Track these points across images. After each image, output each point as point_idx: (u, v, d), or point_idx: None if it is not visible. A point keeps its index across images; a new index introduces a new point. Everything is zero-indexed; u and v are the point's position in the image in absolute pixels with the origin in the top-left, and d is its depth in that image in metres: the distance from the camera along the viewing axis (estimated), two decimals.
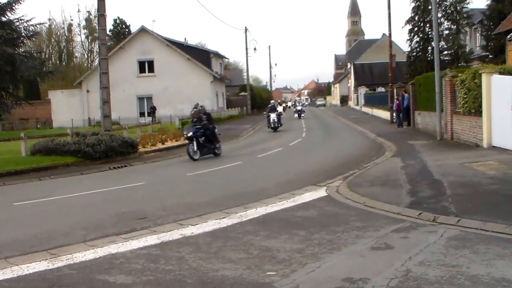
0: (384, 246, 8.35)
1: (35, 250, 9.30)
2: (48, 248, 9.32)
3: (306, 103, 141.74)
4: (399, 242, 8.56)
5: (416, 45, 52.93)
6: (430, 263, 7.26)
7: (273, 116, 41.85)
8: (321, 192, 13.74)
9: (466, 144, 21.71)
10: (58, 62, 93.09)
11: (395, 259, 7.53)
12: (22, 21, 50.91)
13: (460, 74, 23.22)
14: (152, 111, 57.95)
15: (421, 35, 52.34)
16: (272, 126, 41.87)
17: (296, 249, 8.38)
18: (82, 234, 10.34)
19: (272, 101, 49.65)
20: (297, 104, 73.54)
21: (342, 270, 7.23)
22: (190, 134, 23.42)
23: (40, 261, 8.55)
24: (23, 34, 52.36)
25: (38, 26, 60.90)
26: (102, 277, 7.53)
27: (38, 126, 65.74)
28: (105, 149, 24.25)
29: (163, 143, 31.26)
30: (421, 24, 52.22)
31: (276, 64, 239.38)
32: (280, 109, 50.55)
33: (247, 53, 79.65)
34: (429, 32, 50.07)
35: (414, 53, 53.15)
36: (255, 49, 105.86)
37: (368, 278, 6.78)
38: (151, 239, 9.58)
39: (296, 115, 61.34)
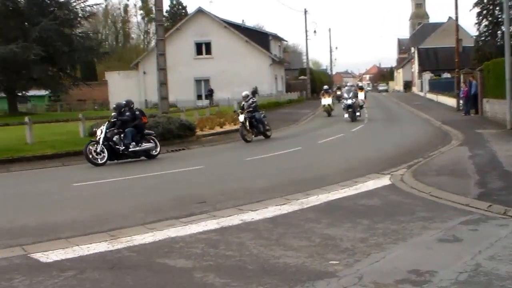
0: (452, 238, 8.03)
1: (95, 231, 9.30)
2: (108, 230, 9.31)
3: (369, 88, 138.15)
4: (467, 234, 8.22)
5: (484, 29, 51.42)
6: (502, 258, 6.91)
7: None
8: (384, 181, 13.39)
9: None
10: (114, 43, 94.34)
11: (464, 252, 7.20)
12: (79, 1, 51.77)
13: None
14: (210, 94, 57.99)
15: (490, 19, 50.76)
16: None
17: (360, 238, 8.14)
18: (141, 217, 10.31)
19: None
20: (345, 92, 37.88)
21: (408, 262, 6.97)
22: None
23: (100, 242, 8.54)
24: (80, 14, 53.34)
25: (94, 6, 62.04)
26: (162, 261, 7.45)
27: (96, 107, 66.80)
28: (163, 132, 24.12)
29: (221, 127, 31.28)
30: (491, 7, 50.63)
31: (336, 48, 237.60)
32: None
33: (306, 36, 79.07)
34: (499, 16, 48.37)
35: (483, 38, 51.67)
36: (315, 31, 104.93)
37: (436, 271, 6.50)
38: (210, 224, 9.46)
39: (346, 115, 35.78)
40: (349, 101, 34.85)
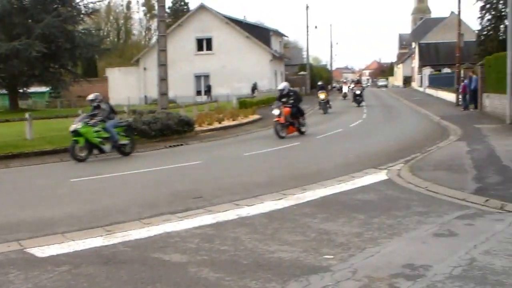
0: (447, 233, 8.03)
1: (91, 226, 9.32)
2: (104, 225, 9.33)
3: (367, 84, 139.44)
4: (463, 229, 8.23)
5: (487, 24, 51.05)
6: (497, 253, 6.93)
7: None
8: (381, 176, 13.39)
9: None
10: (116, 39, 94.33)
11: (459, 247, 7.22)
12: None
13: None
14: (208, 89, 58.02)
15: (493, 13, 50.35)
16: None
17: (355, 233, 8.15)
18: (137, 212, 10.33)
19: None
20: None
21: (403, 256, 6.98)
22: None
23: (95, 237, 8.56)
24: (82, 11, 53.35)
25: (97, 3, 61.86)
26: (156, 255, 7.48)
27: None
28: (161, 127, 24.24)
29: (220, 123, 31.20)
30: (494, 1, 50.38)
31: (337, 43, 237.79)
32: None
33: (307, 31, 79.22)
34: (503, 9, 48.01)
35: (485, 32, 51.30)
36: (316, 27, 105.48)
37: (430, 265, 6.52)
38: (206, 219, 9.47)
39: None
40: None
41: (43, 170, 17.74)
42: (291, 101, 24.18)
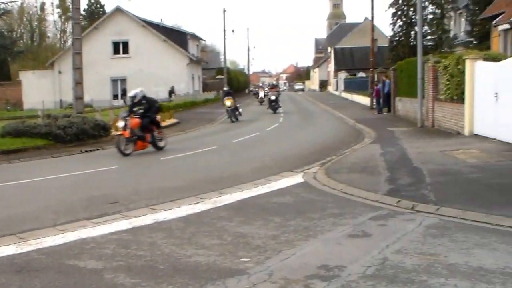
0: (361, 233, 8.22)
1: (3, 234, 9.08)
2: (17, 232, 9.11)
3: (284, 88, 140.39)
4: (376, 230, 8.43)
5: (399, 30, 52.36)
6: (408, 252, 7.14)
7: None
8: (297, 178, 13.57)
9: (447, 132, 21.60)
10: (30, 42, 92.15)
11: (372, 247, 7.40)
12: None
13: (443, 60, 23.10)
14: (124, 93, 57.36)
15: (404, 19, 51.69)
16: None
17: (271, 236, 8.22)
18: (52, 218, 10.14)
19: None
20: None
21: (318, 258, 7.09)
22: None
23: (8, 245, 8.36)
24: None
25: (9, 4, 60.29)
26: (72, 262, 7.36)
27: (8, 107, 64.81)
28: (77, 132, 23.79)
29: None
30: (405, 8, 51.57)
31: (254, 47, 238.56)
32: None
33: (224, 35, 79.42)
34: (413, 16, 49.28)
35: (397, 38, 52.61)
36: (233, 31, 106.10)
37: (344, 266, 6.65)
38: (122, 224, 9.40)
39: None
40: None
41: None
42: (141, 111, 20.50)
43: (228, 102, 36.52)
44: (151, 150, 20.56)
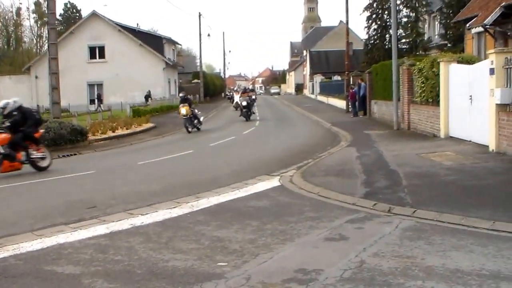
0: (338, 237, 8.25)
1: None
2: None
3: (259, 92, 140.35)
4: (353, 233, 8.47)
5: (374, 33, 52.95)
6: (385, 254, 7.19)
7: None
8: (274, 182, 13.58)
9: (423, 134, 21.74)
10: (6, 47, 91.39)
11: (349, 250, 7.43)
12: None
13: (418, 63, 23.31)
14: (98, 98, 57.08)
15: (379, 23, 52.28)
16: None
17: (248, 240, 8.24)
18: (30, 223, 10.08)
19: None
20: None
21: (295, 261, 7.11)
22: None
23: None
24: None
25: None
26: (49, 268, 7.33)
27: None
28: (54, 137, 23.73)
29: (113, 131, 30.75)
30: (380, 11, 52.16)
31: (230, 51, 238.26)
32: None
33: (200, 39, 79.43)
34: (388, 20, 49.92)
35: (372, 41, 53.16)
36: (208, 35, 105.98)
37: (322, 269, 6.67)
38: (100, 229, 9.36)
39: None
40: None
41: None
42: (8, 125, 17.21)
43: (184, 110, 31.01)
44: (128, 152, 20.45)
